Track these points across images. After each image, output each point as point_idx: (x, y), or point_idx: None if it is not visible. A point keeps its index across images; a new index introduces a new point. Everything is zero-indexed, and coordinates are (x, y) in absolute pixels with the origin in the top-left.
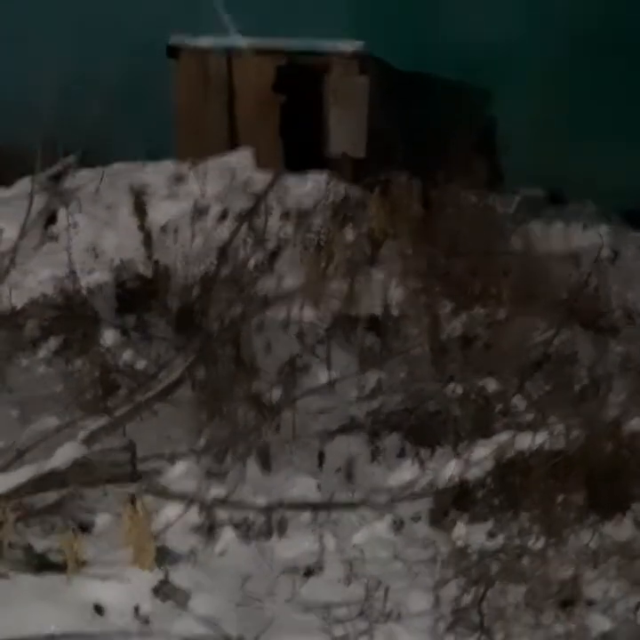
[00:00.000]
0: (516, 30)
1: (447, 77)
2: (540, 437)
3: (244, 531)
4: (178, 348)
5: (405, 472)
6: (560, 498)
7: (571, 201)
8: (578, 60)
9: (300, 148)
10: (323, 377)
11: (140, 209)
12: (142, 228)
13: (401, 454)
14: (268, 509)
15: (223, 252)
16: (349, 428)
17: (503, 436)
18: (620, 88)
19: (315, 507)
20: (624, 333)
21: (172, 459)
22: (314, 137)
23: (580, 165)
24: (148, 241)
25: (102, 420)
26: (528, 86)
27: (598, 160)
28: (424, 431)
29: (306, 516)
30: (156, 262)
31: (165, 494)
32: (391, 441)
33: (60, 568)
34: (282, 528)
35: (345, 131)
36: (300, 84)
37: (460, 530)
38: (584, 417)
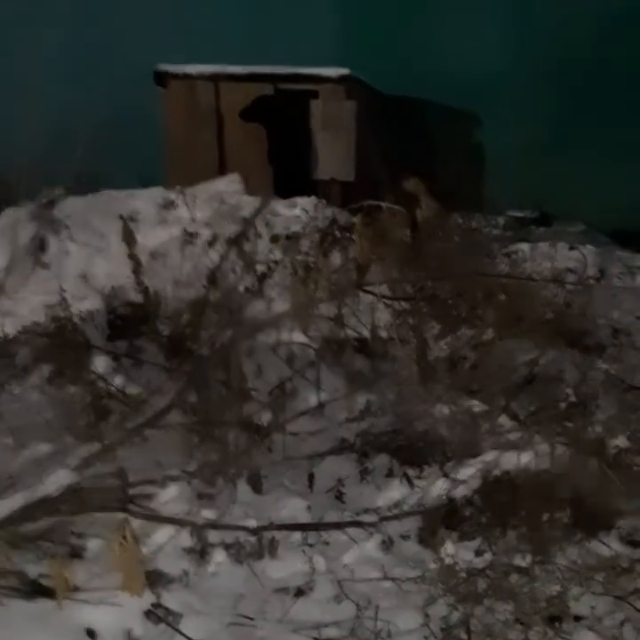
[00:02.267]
0: (502, 54)
1: (434, 101)
2: (526, 456)
3: (236, 552)
4: (169, 372)
5: (394, 492)
6: (546, 516)
7: (557, 222)
8: (564, 83)
9: (288, 172)
10: (312, 399)
11: (130, 237)
12: (132, 256)
13: (389, 474)
14: (258, 531)
15: (213, 276)
16: (339, 449)
17: (490, 456)
18: (607, 110)
19: (305, 527)
20: (609, 352)
21: (164, 482)
22: (302, 162)
23: (566, 186)
24: (137, 268)
25: (94, 447)
26: (515, 109)
27: (584, 181)
28: (412, 451)
29: (296, 536)
30: (147, 288)
31: (157, 518)
32: (380, 461)
33: (52, 593)
34: (273, 549)
35: (333, 155)
36: (287, 110)
37: (449, 548)
38: (569, 436)
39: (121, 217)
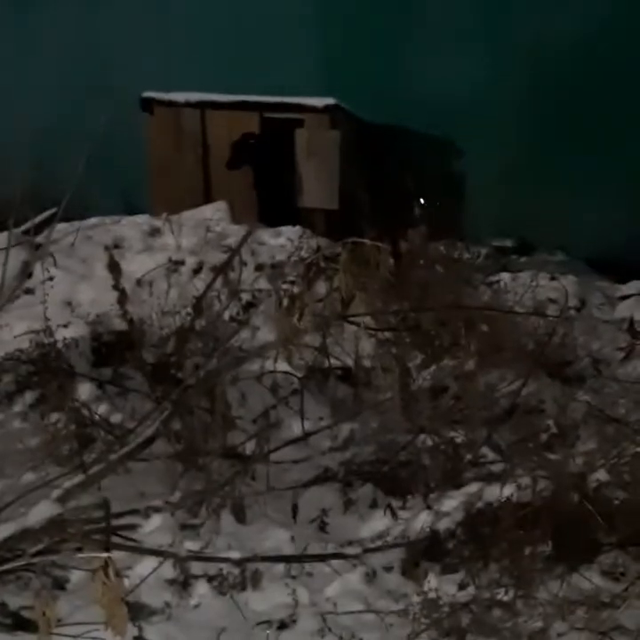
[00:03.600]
0: (483, 84)
1: (416, 130)
2: (508, 489)
3: (219, 584)
4: (153, 400)
5: (377, 523)
6: (528, 548)
7: (539, 251)
8: (543, 112)
9: (274, 201)
10: (296, 428)
11: (115, 267)
12: (116, 286)
13: (373, 505)
14: (242, 562)
15: (198, 304)
16: (323, 478)
17: (472, 487)
18: (588, 139)
19: (288, 559)
20: (590, 383)
21: (147, 513)
22: (287, 190)
23: (547, 216)
24: (122, 298)
25: (77, 478)
26: (495, 139)
27: (565, 210)
28: (396, 482)
29: (279, 568)
30: (132, 316)
31: (139, 549)
32: (364, 491)
33: (34, 626)
34: (256, 581)
35: (318, 184)
36: (272, 139)
37: (432, 581)
38: (550, 468)
39: (106, 248)
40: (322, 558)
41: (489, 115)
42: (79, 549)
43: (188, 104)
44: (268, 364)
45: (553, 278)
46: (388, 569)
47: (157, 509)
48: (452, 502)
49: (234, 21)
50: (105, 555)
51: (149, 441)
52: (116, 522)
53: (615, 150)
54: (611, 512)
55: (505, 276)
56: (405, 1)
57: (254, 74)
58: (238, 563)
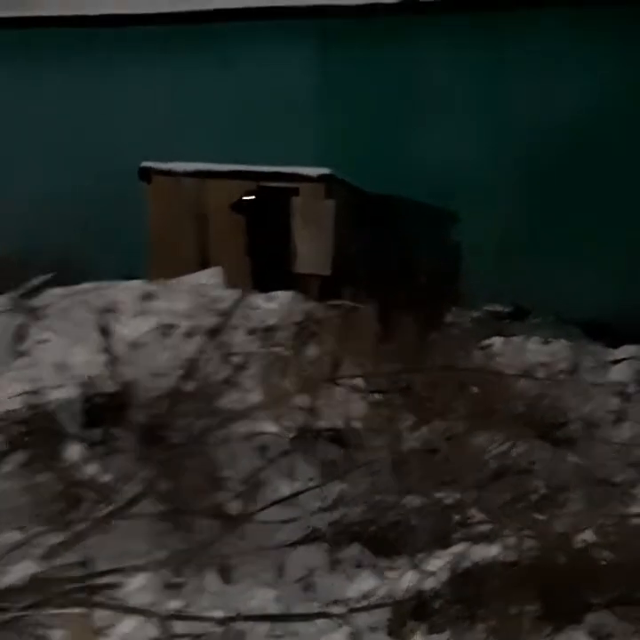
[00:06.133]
0: (482, 156)
1: (413, 200)
2: (495, 549)
3: None
4: (143, 461)
5: (364, 582)
6: (515, 608)
7: (532, 315)
8: (541, 183)
9: (268, 267)
10: (286, 489)
11: (105, 330)
12: (107, 349)
13: (360, 565)
14: (226, 622)
15: (190, 367)
16: (311, 538)
17: (459, 547)
18: (583, 208)
19: (272, 618)
20: (581, 445)
21: (131, 572)
22: (282, 257)
23: (542, 282)
24: (112, 359)
25: (62, 536)
26: (493, 208)
27: (560, 277)
28: (383, 542)
29: (264, 627)
30: (124, 378)
31: (122, 608)
32: (351, 551)
33: None
34: None
35: (311, 251)
36: (268, 207)
37: None
38: (538, 529)
39: (95, 312)
40: (306, 617)
41: (486, 185)
42: (62, 607)
43: (186, 173)
44: (259, 426)
45: (545, 342)
46: (374, 629)
47: (141, 568)
48: (438, 562)
49: (235, 93)
50: (80, 612)
51: (135, 500)
52: (99, 580)
53: (609, 219)
54: (598, 572)
55: (497, 339)
56: (406, 77)
57: (253, 145)
58: (222, 622)
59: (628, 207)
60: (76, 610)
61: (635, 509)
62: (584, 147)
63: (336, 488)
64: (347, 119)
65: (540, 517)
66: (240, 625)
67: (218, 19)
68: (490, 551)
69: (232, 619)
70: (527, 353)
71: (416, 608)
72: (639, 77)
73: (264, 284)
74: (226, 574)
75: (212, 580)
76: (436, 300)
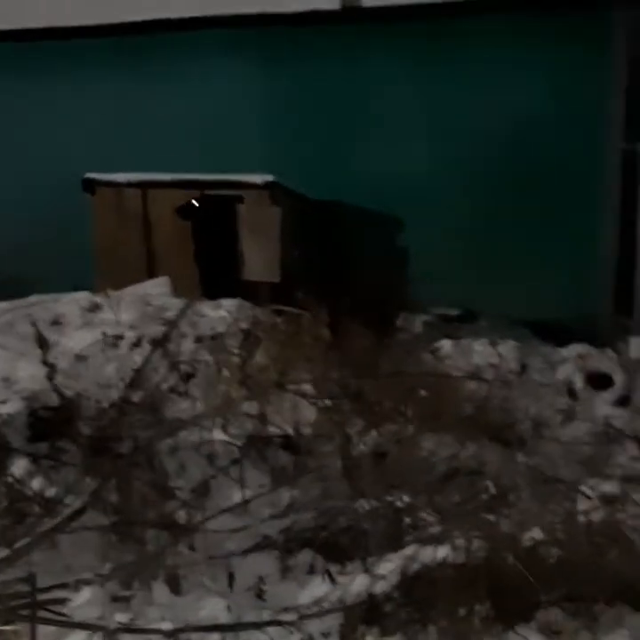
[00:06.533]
0: (426, 161)
1: (359, 206)
2: (444, 550)
3: None
4: (89, 473)
5: (315, 588)
6: (465, 609)
7: (481, 317)
8: (486, 186)
9: (216, 275)
10: (236, 496)
11: (43, 342)
12: (46, 362)
13: (311, 571)
14: (174, 633)
15: (137, 377)
16: (262, 546)
17: (409, 550)
18: (528, 210)
19: (222, 628)
20: (530, 445)
21: (77, 586)
22: (229, 265)
23: (490, 285)
24: (52, 373)
25: (4, 552)
26: (439, 211)
27: (507, 279)
28: (335, 547)
29: (214, 638)
30: (70, 390)
31: (67, 623)
32: (302, 558)
33: None
34: None
35: (259, 258)
36: (214, 215)
37: None
38: (486, 529)
39: (33, 324)
40: (257, 626)
41: (431, 189)
42: (7, 624)
43: (129, 184)
44: (207, 434)
45: (494, 344)
46: (326, 635)
47: (88, 582)
48: (389, 565)
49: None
50: (11, 628)
51: (78, 513)
52: (44, 595)
53: (553, 221)
54: (546, 570)
55: (447, 342)
56: (349, 84)
57: (198, 155)
58: (170, 634)
59: (570, 209)
60: (8, 627)
61: (582, 506)
62: (526, 152)
63: (287, 495)
64: (290, 127)
65: (489, 518)
66: (189, 636)
67: (159, 29)
68: (439, 553)
69: (181, 630)
70: (476, 355)
71: (368, 612)
72: (582, 84)
73: (214, 292)
74: (175, 585)
75: (160, 591)
76: (385, 305)
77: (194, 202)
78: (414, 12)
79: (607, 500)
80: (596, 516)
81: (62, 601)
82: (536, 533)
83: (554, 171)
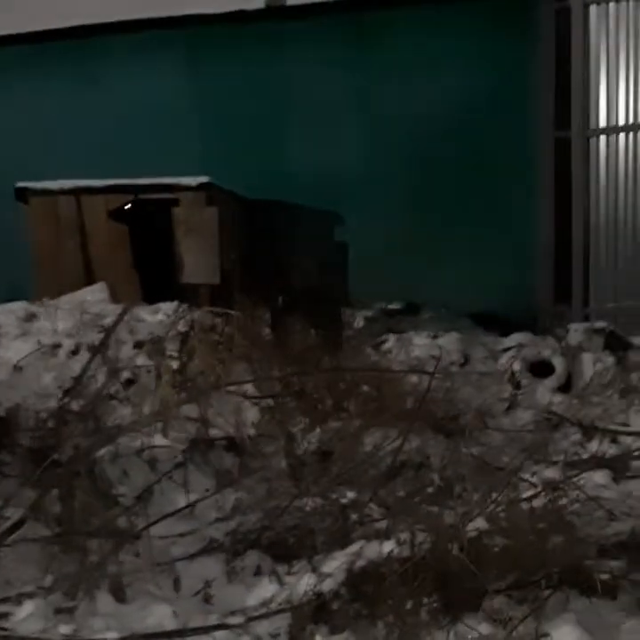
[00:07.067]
0: (361, 156)
1: (295, 204)
2: (388, 545)
3: None
4: (29, 484)
5: (263, 590)
6: (413, 602)
7: (424, 310)
8: (423, 178)
9: (156, 279)
10: (181, 501)
11: None
12: None
13: (258, 572)
14: None
15: (76, 385)
16: (208, 549)
17: (355, 546)
18: (467, 201)
19: (169, 634)
20: (474, 435)
21: (19, 599)
22: (168, 268)
23: (431, 277)
24: None
25: None
26: (377, 206)
27: (448, 270)
28: (282, 547)
29: None
30: (8, 401)
31: (10, 637)
32: (249, 560)
33: None
34: None
35: (197, 260)
36: (150, 219)
37: None
38: (428, 521)
39: None
40: (205, 631)
41: (368, 184)
42: None
43: (62, 191)
44: (149, 440)
45: (436, 336)
46: (275, 636)
47: (30, 595)
48: (335, 563)
49: (107, 107)
50: None
51: (18, 525)
52: None
53: (494, 210)
54: (491, 559)
55: (390, 337)
56: (280, 82)
57: (131, 160)
58: None
59: (506, 198)
60: None
61: (525, 494)
62: (460, 142)
63: (232, 496)
64: (223, 128)
65: (434, 510)
66: None
67: (87, 34)
68: (385, 548)
69: (126, 638)
70: (418, 348)
71: (316, 611)
72: (513, 72)
73: (154, 296)
74: (119, 593)
75: (105, 600)
76: (327, 302)
77: (127, 205)
78: (338, 7)
79: (550, 486)
80: (539, 503)
81: (4, 615)
82: (480, 523)
83: (488, 160)
